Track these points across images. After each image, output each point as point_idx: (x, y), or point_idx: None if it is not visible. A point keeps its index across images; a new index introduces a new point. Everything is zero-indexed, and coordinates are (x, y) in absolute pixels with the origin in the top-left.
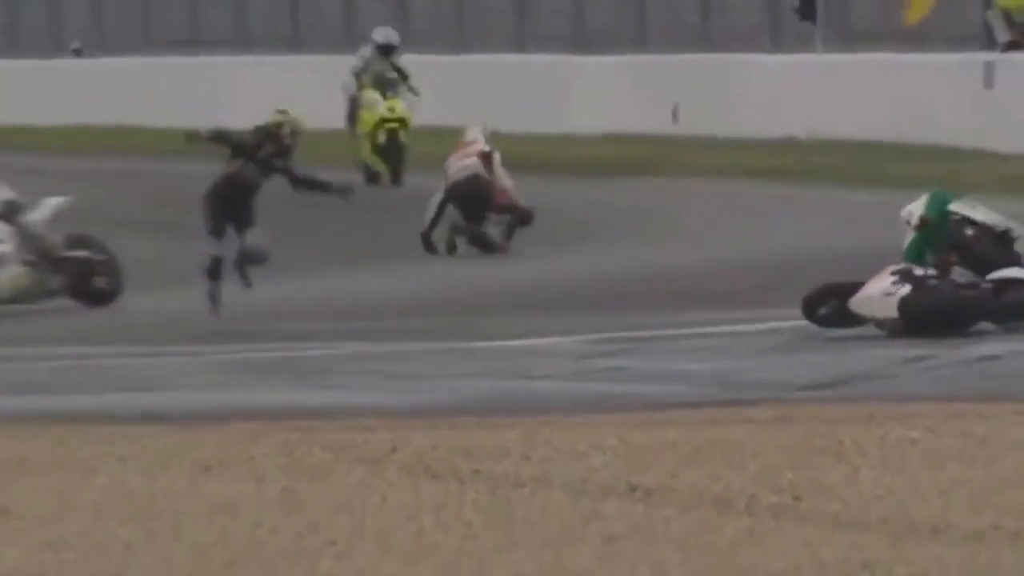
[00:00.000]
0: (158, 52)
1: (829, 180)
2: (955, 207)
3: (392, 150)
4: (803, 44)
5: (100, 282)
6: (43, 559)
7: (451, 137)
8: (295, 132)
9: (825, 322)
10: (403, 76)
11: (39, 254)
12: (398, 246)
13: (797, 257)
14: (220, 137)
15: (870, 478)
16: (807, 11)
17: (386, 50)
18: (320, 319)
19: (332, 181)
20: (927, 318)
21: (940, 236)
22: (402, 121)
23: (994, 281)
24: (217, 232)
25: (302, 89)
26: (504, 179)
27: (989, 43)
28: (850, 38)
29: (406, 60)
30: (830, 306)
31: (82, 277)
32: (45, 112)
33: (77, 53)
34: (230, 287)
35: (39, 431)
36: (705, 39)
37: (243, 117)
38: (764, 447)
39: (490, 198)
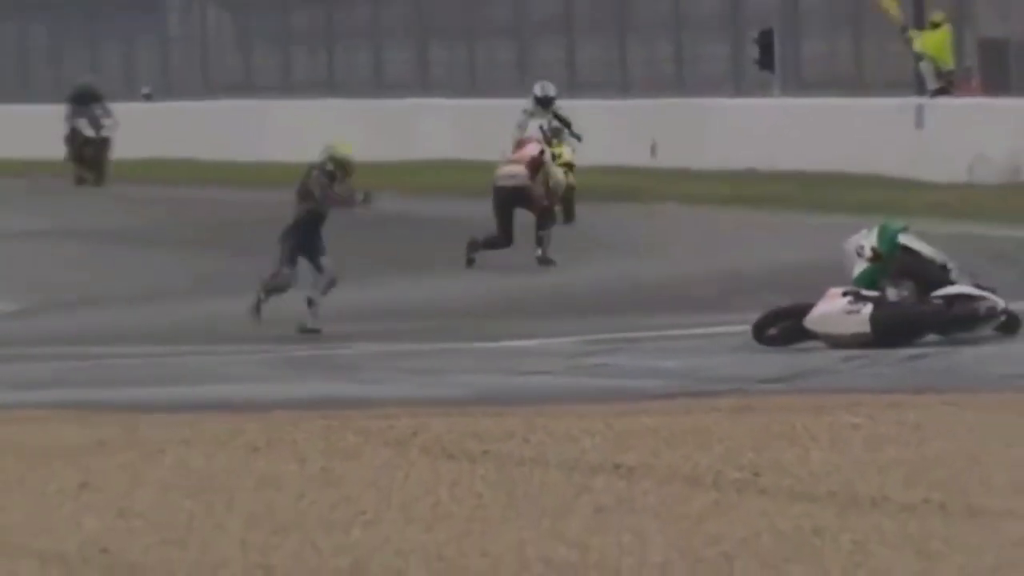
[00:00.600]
0: (215, 96)
1: (785, 206)
2: (903, 239)
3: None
4: (763, 90)
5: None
6: (117, 526)
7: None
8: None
9: (772, 342)
10: (566, 124)
11: None
12: (423, 260)
13: (758, 271)
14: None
15: (819, 458)
16: (766, 62)
17: (545, 102)
18: (350, 323)
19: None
20: (894, 331)
21: (889, 266)
22: (569, 165)
23: (943, 297)
24: (292, 261)
25: (337, 128)
26: (551, 178)
27: (920, 90)
28: (803, 85)
29: (424, 103)
30: (778, 327)
31: None
32: (121, 147)
33: (147, 97)
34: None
35: (114, 418)
36: (679, 86)
37: (286, 151)
38: (729, 432)
39: (530, 205)
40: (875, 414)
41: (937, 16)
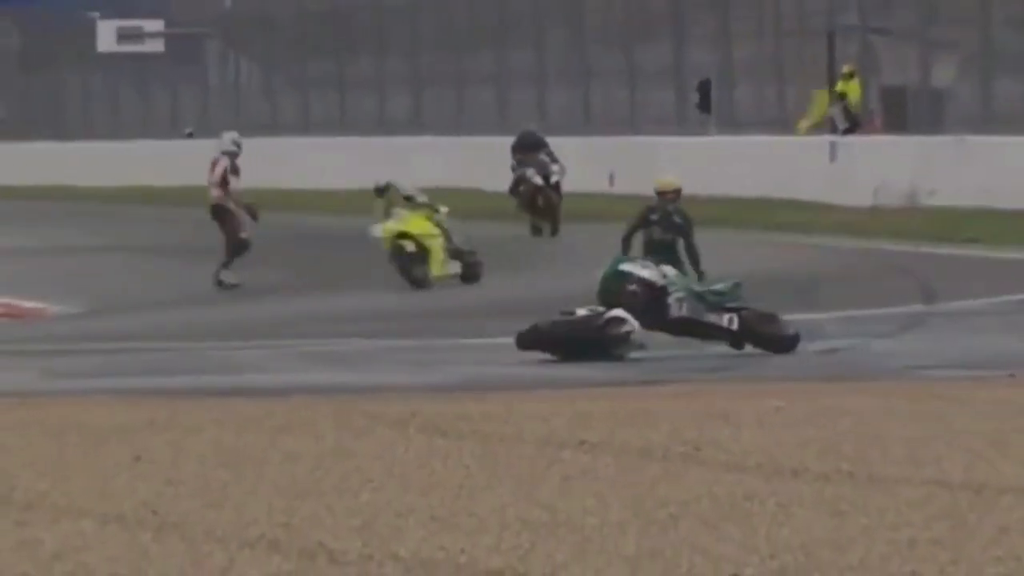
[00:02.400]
0: (247, 134)
1: (721, 225)
2: (625, 267)
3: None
4: (702, 129)
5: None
6: (164, 492)
7: (458, 195)
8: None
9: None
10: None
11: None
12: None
13: None
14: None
15: (749, 436)
16: (705, 105)
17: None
18: (352, 323)
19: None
20: (534, 346)
21: (613, 287)
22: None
23: (608, 318)
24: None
25: (347, 162)
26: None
27: (832, 129)
28: (735, 125)
29: (419, 141)
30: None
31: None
32: (166, 177)
33: (190, 135)
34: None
35: (161, 402)
36: (632, 125)
37: (305, 180)
38: (674, 413)
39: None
40: (795, 399)
41: (848, 68)
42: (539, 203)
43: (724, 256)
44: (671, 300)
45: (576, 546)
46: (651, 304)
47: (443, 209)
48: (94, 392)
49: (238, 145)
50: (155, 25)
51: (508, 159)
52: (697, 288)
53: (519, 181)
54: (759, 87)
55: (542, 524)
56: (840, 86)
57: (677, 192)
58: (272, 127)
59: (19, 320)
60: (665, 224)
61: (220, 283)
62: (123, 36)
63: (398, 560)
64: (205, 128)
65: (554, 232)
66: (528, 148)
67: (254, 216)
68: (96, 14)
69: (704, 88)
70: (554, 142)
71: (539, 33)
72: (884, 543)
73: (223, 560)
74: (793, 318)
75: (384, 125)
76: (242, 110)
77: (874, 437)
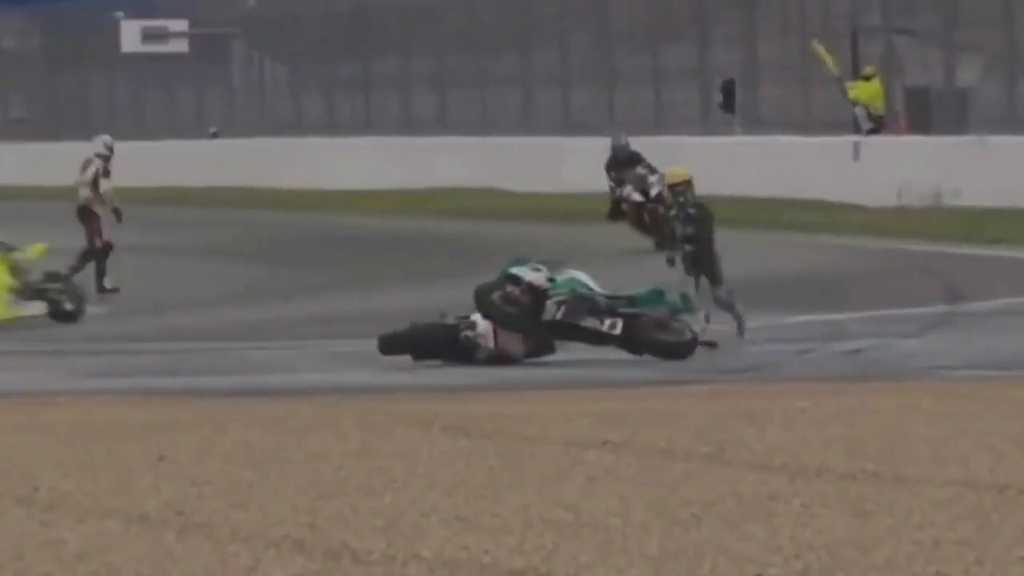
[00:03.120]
0: (272, 134)
1: (744, 225)
2: (515, 270)
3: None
4: (726, 129)
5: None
6: (189, 492)
7: (482, 195)
8: None
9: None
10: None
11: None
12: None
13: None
14: None
15: (773, 435)
16: (729, 106)
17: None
18: (376, 324)
19: None
20: (393, 349)
21: (488, 291)
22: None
23: (463, 323)
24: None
25: (372, 163)
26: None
27: (856, 129)
28: (759, 125)
29: (444, 141)
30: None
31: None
32: (191, 177)
33: (214, 135)
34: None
35: (187, 402)
36: (658, 125)
37: (330, 181)
38: (698, 414)
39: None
40: (820, 399)
41: (869, 70)
42: (645, 219)
43: (748, 256)
44: (549, 303)
45: (599, 546)
46: (528, 307)
47: (28, 249)
48: (120, 392)
49: (110, 148)
50: (179, 25)
51: (534, 160)
52: (588, 292)
53: (619, 202)
54: (783, 87)
55: (565, 524)
56: (859, 89)
57: (686, 183)
58: (297, 127)
59: (48, 320)
60: (683, 218)
61: (104, 290)
62: (147, 36)
63: (421, 560)
64: (230, 128)
65: (658, 246)
66: (624, 164)
67: (119, 218)
68: (120, 14)
69: (728, 88)
70: (578, 143)
71: (564, 34)
72: (909, 543)
73: (248, 560)
74: (817, 318)
75: (409, 125)
76: (267, 110)
77: (899, 437)
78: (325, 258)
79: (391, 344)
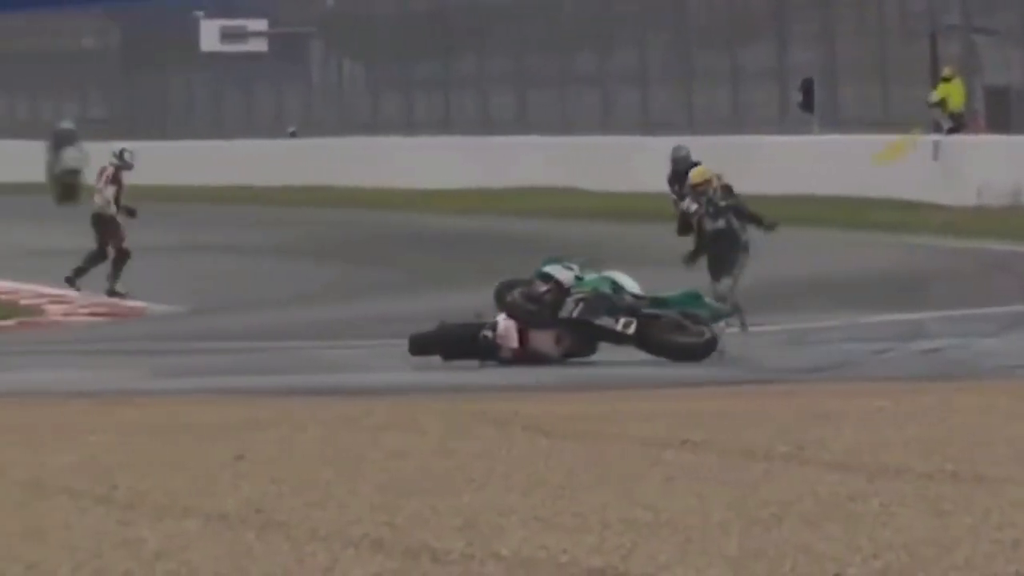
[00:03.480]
0: (349, 134)
1: (823, 224)
2: (548, 268)
3: None
4: (805, 128)
5: None
6: (269, 491)
7: (561, 195)
8: None
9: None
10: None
11: None
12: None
13: (800, 279)
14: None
15: (852, 435)
16: (808, 105)
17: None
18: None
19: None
20: (426, 350)
21: (517, 285)
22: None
23: (485, 325)
24: None
25: (450, 162)
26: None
27: (936, 128)
28: (838, 124)
29: (523, 140)
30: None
31: None
32: (269, 177)
33: (292, 135)
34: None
35: (265, 401)
36: (736, 125)
37: (408, 180)
38: (777, 413)
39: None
40: (899, 398)
41: (948, 71)
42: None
43: (827, 255)
44: (568, 300)
45: (678, 546)
46: (549, 304)
47: None
48: (197, 391)
49: (120, 157)
50: (258, 25)
51: (611, 160)
52: (611, 292)
53: (686, 215)
54: (862, 86)
55: (644, 524)
56: (940, 90)
57: (707, 182)
58: (374, 126)
59: (122, 320)
60: (712, 212)
61: (115, 293)
62: (226, 35)
63: (500, 559)
64: (308, 127)
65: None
66: (684, 176)
67: (133, 215)
68: (200, 13)
69: (807, 87)
70: (656, 143)
71: (643, 33)
72: (988, 543)
73: (326, 559)
74: (896, 317)
75: (486, 125)
76: (344, 109)
77: (977, 436)
78: (401, 257)
79: (421, 344)
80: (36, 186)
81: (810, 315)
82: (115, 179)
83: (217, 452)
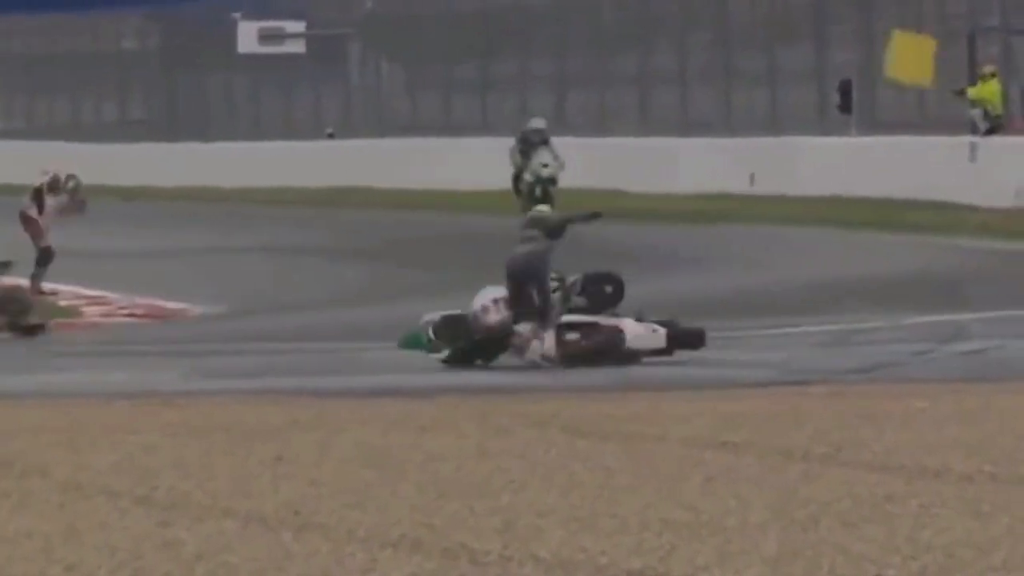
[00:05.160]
0: (388, 135)
1: (861, 226)
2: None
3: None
4: (843, 129)
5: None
6: (307, 493)
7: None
8: None
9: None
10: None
11: None
12: None
13: (839, 280)
14: None
15: (892, 436)
16: (846, 106)
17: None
18: None
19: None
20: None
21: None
22: (552, 180)
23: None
24: None
25: (490, 162)
26: None
27: (973, 130)
28: (876, 126)
29: (562, 141)
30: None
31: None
32: (307, 178)
33: (331, 136)
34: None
35: (304, 402)
36: (773, 126)
37: (447, 181)
38: (817, 414)
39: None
40: (939, 399)
41: (988, 68)
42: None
43: (866, 257)
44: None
45: (717, 547)
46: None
47: None
48: (237, 393)
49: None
50: (296, 26)
51: (651, 160)
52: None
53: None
54: (900, 88)
55: (684, 525)
56: (979, 88)
57: None
58: (414, 128)
59: (162, 321)
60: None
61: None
62: (264, 37)
63: (539, 561)
64: (347, 129)
65: None
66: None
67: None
68: (238, 15)
69: (845, 89)
70: (695, 143)
71: (682, 34)
72: None
73: (365, 560)
74: (936, 319)
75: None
76: (383, 111)
77: (1018, 438)
78: (440, 259)
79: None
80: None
81: (850, 316)
82: (53, 188)
83: (256, 453)
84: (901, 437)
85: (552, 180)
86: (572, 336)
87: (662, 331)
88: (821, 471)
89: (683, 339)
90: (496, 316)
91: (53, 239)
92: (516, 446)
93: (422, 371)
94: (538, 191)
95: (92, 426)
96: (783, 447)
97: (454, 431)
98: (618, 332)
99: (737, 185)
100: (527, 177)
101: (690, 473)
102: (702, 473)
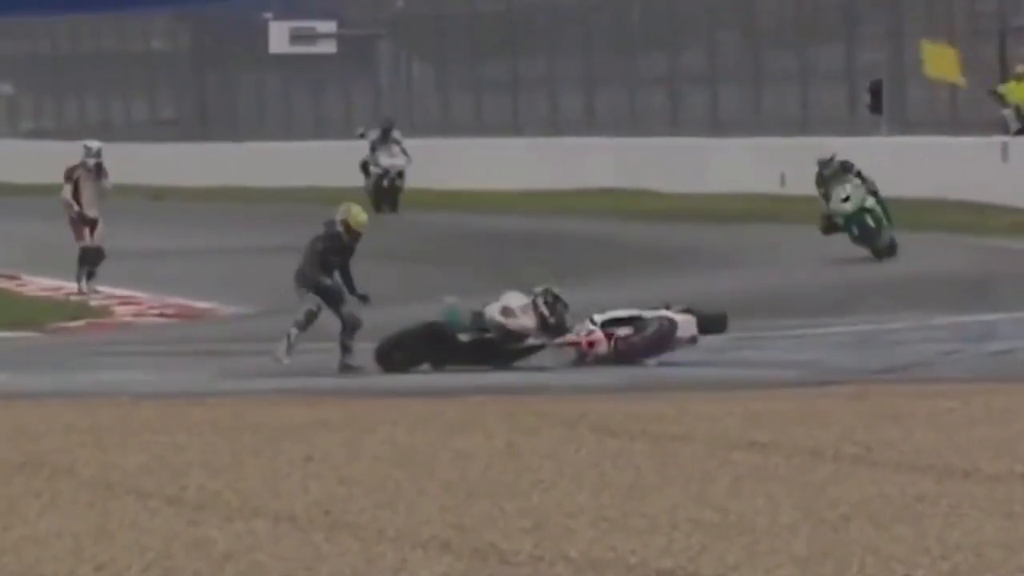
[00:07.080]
0: (419, 135)
1: (893, 226)
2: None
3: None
4: (873, 129)
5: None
6: (337, 492)
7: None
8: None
9: (398, 367)
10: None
11: None
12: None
13: (868, 280)
14: None
15: (921, 436)
16: (876, 107)
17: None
18: None
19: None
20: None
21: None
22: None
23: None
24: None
25: (519, 162)
26: None
27: (1005, 130)
28: (907, 125)
29: (591, 141)
30: (403, 353)
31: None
32: (338, 178)
33: (361, 136)
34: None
35: (334, 402)
36: (804, 126)
37: (478, 182)
38: (845, 414)
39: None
40: (968, 399)
41: (1022, 68)
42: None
43: (896, 256)
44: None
45: (747, 547)
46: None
47: None
48: (267, 392)
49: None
50: (327, 26)
51: (681, 160)
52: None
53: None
54: (931, 87)
55: (713, 525)
56: (1011, 87)
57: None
58: (444, 127)
59: (192, 321)
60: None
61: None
62: (295, 37)
63: (568, 561)
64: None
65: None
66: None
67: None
68: (269, 15)
69: (875, 88)
70: (724, 143)
71: (711, 34)
72: None
73: (395, 560)
74: (966, 319)
75: (556, 126)
76: (414, 111)
77: None
78: (470, 258)
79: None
80: None
81: (880, 316)
82: (70, 177)
83: (286, 453)
84: (930, 437)
85: (400, 173)
86: (624, 331)
87: (692, 318)
88: (850, 471)
89: (709, 324)
90: (518, 321)
91: (90, 238)
92: (545, 446)
93: (450, 371)
94: (385, 183)
95: (121, 426)
96: (811, 447)
97: (482, 430)
98: (671, 322)
99: (767, 185)
100: (374, 169)
101: (719, 473)
102: (731, 473)
